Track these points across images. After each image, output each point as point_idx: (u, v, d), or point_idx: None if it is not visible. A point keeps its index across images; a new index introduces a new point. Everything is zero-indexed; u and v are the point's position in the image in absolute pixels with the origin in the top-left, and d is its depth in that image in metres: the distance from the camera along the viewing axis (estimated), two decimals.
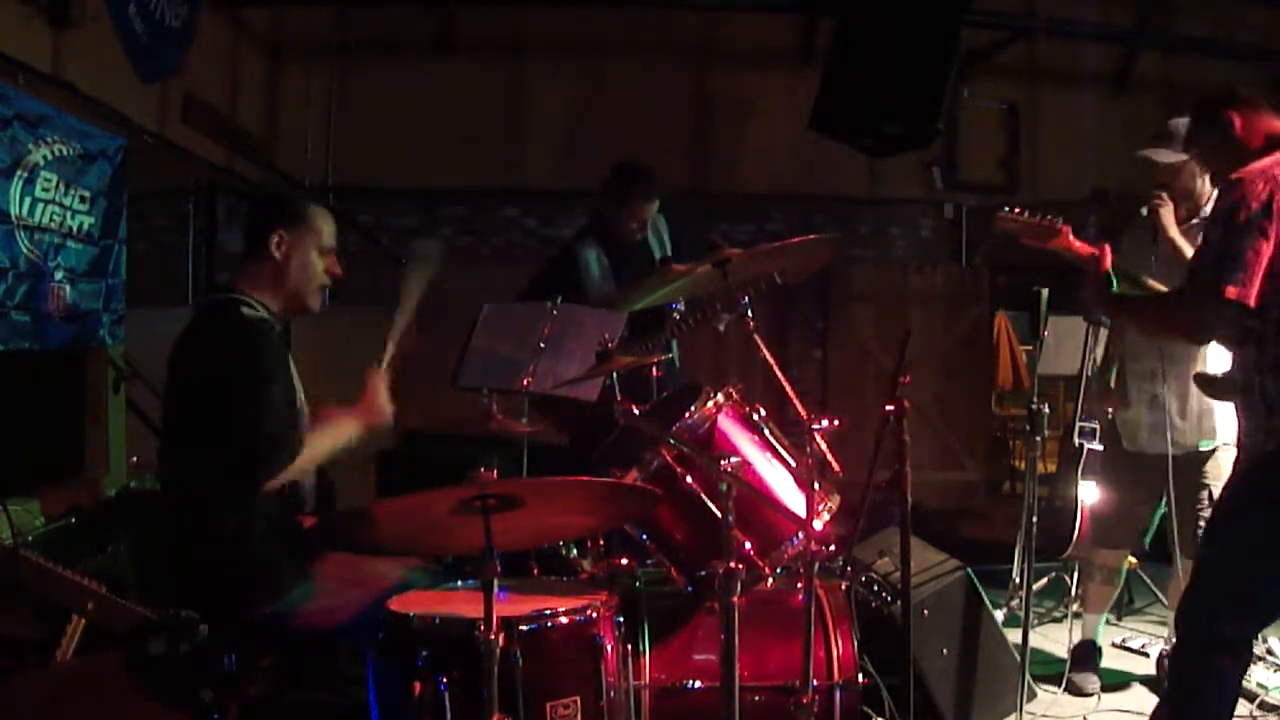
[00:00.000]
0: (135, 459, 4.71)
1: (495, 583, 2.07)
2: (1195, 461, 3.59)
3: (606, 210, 4.18)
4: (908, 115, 5.45)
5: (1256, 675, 3.59)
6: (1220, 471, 3.60)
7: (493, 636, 2.05)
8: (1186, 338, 2.97)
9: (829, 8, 6.06)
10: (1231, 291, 2.38)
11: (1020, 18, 6.74)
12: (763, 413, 2.82)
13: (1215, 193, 3.53)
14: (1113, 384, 3.79)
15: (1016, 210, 3.33)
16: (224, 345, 2.64)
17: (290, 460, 2.61)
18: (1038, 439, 3.33)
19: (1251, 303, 2.40)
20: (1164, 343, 3.47)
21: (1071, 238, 3.22)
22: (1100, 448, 3.98)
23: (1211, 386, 3.09)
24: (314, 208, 2.86)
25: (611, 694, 2.37)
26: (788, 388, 2.80)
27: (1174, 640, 2.78)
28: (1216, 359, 3.54)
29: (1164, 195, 3.53)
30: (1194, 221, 3.54)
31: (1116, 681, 3.84)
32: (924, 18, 5.39)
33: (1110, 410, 3.80)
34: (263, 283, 2.76)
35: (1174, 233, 3.45)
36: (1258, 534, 2.50)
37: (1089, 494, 4.08)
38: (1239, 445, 2.69)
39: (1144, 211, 3.52)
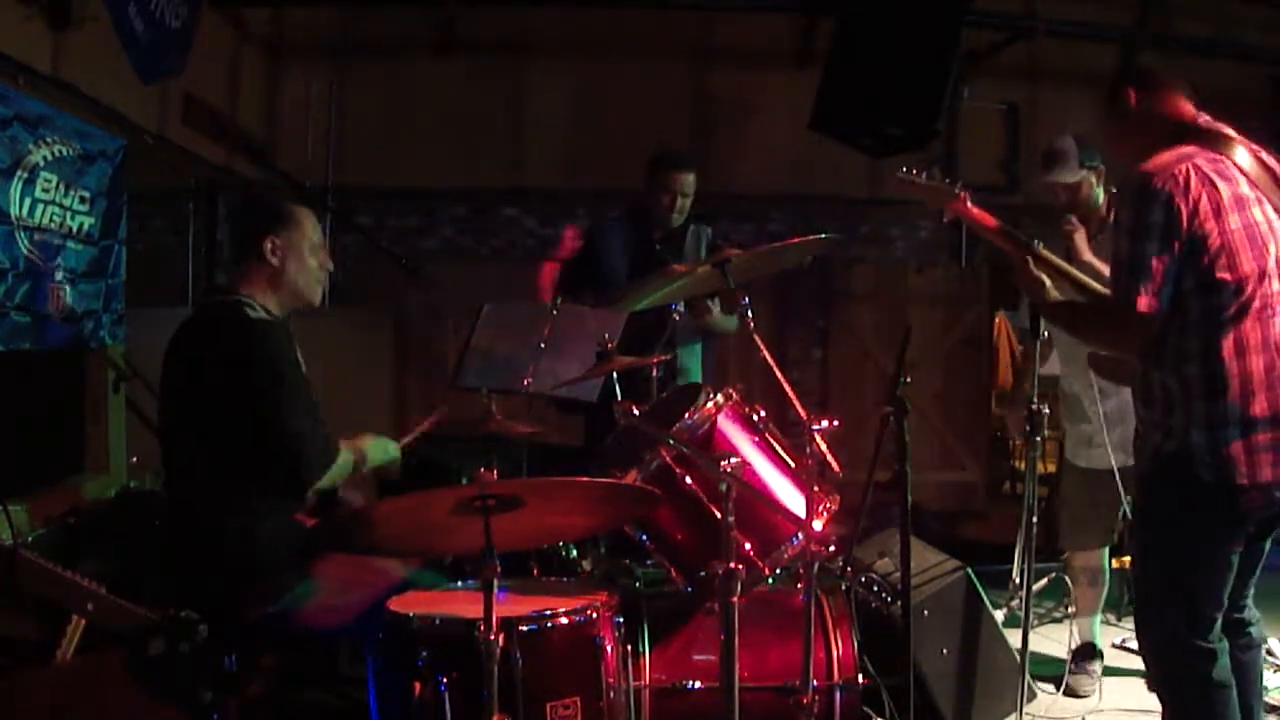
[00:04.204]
0: (135, 459, 4.72)
1: (495, 583, 2.07)
2: None
3: (644, 193, 4.27)
4: (908, 115, 5.45)
5: None
6: None
7: (493, 637, 2.05)
8: (1115, 351, 2.94)
9: (829, 8, 6.05)
10: (1143, 304, 2.35)
11: (1020, 18, 6.72)
12: (762, 413, 2.82)
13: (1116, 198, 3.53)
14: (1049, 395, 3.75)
15: (915, 171, 3.22)
16: (244, 348, 2.67)
17: (334, 459, 2.69)
18: (1038, 439, 3.31)
19: (1165, 309, 2.37)
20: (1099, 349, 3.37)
21: (970, 204, 3.10)
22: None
23: (1107, 367, 3.05)
24: (299, 208, 2.92)
25: (611, 694, 2.37)
26: (788, 388, 2.80)
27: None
28: None
29: (1074, 220, 3.55)
30: (1101, 236, 3.55)
31: (1116, 682, 3.84)
32: (924, 18, 5.39)
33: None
34: (261, 285, 2.81)
35: (1088, 256, 3.45)
36: (1174, 540, 2.45)
37: None
38: (1138, 439, 2.61)
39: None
